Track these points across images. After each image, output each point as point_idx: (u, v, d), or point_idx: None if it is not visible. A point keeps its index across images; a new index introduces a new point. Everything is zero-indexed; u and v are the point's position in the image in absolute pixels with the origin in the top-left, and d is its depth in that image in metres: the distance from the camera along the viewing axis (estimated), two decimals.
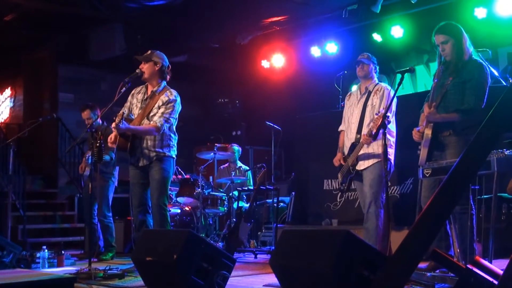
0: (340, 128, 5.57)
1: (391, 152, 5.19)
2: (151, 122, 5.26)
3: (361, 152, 5.15)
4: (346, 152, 5.37)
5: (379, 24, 8.80)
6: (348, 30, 9.15)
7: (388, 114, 4.87)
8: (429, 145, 4.33)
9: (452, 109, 4.34)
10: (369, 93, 5.30)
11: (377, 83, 5.36)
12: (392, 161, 5.21)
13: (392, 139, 5.23)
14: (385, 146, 4.66)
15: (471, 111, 4.28)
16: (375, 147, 5.11)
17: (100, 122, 6.97)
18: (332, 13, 8.78)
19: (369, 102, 5.24)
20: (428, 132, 4.36)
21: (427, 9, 8.00)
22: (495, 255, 3.71)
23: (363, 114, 5.24)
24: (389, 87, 5.26)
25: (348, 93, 5.63)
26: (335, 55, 9.30)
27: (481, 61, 4.47)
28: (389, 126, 4.98)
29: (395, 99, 5.06)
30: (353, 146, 5.24)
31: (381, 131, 4.69)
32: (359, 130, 5.23)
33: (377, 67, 5.43)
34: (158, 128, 5.22)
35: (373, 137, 4.80)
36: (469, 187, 3.94)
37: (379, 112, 4.88)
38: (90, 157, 7.00)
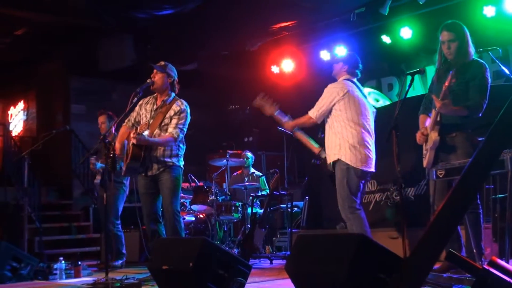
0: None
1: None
2: (167, 133, 5.30)
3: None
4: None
5: (388, 26, 8.78)
6: (357, 33, 9.13)
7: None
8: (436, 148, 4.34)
9: (457, 105, 4.34)
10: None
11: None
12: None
13: None
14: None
15: (476, 107, 4.32)
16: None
17: (114, 131, 7.03)
18: (341, 17, 8.78)
19: None
20: (434, 135, 4.37)
21: (435, 9, 7.97)
22: (511, 255, 3.68)
23: None
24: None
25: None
26: None
27: (482, 61, 4.49)
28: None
29: None
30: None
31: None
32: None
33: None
34: (175, 138, 5.28)
35: None
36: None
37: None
38: (96, 162, 7.05)
